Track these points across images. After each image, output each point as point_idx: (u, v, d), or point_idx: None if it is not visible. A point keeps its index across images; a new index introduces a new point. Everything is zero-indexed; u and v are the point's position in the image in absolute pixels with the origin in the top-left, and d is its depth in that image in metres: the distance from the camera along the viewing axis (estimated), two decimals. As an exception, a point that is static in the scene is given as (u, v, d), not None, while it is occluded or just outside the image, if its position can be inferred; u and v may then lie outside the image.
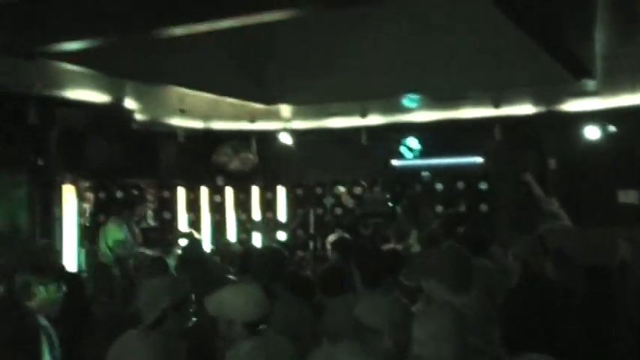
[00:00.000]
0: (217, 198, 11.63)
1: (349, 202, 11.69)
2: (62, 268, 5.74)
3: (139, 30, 4.60)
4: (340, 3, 4.07)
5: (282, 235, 11.09)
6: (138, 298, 3.83)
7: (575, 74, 6.16)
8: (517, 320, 4.46)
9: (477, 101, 8.43)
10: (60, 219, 8.56)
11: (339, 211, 11.69)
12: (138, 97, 8.16)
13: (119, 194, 10.12)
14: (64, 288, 4.12)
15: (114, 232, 8.20)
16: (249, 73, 7.62)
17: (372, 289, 4.62)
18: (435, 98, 8.04)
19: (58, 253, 6.44)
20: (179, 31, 4.52)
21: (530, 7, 4.22)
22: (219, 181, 11.68)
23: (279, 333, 3.82)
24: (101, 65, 6.00)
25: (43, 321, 3.88)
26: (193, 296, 3.86)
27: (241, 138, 11.36)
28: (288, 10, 4.15)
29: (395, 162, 11.43)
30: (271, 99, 8.13)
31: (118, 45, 5.26)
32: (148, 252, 8.73)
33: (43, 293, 3.95)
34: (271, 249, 5.73)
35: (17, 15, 4.79)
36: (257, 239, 11.51)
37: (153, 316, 3.60)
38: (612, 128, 9.71)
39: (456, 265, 3.58)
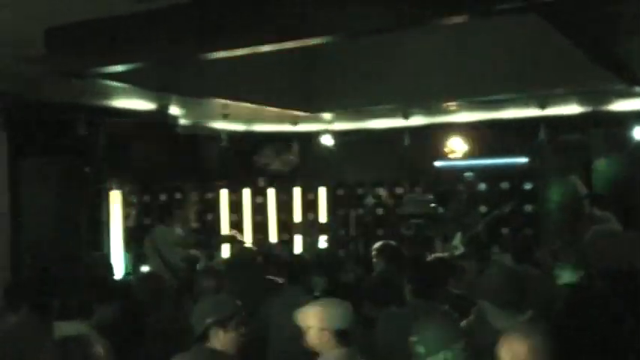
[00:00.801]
0: (259, 199, 11.71)
1: (390, 202, 11.68)
2: (117, 283, 5.80)
3: (183, 53, 4.74)
4: (378, 29, 4.14)
5: (323, 237, 11.07)
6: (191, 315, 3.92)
7: (629, 83, 6.06)
8: (570, 340, 4.40)
9: (522, 102, 8.30)
10: (107, 224, 8.72)
11: (380, 211, 11.68)
12: (182, 104, 8.24)
13: (163, 197, 10.23)
14: (119, 305, 4.20)
15: (164, 236, 8.21)
16: (294, 86, 7.66)
17: (423, 301, 4.60)
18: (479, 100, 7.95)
19: (113, 266, 6.48)
20: (221, 54, 4.66)
21: (581, 18, 4.15)
22: (262, 182, 11.76)
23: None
24: (144, 83, 6.14)
25: (96, 337, 3.94)
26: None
27: (283, 140, 11.40)
28: (325, 37, 4.32)
29: (437, 162, 11.37)
30: (315, 108, 8.16)
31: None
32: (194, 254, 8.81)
33: (100, 311, 4.02)
34: (325, 260, 5.73)
35: (67, 38, 4.89)
36: (298, 240, 11.56)
37: (198, 332, 3.70)
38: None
39: (511, 288, 3.54)
